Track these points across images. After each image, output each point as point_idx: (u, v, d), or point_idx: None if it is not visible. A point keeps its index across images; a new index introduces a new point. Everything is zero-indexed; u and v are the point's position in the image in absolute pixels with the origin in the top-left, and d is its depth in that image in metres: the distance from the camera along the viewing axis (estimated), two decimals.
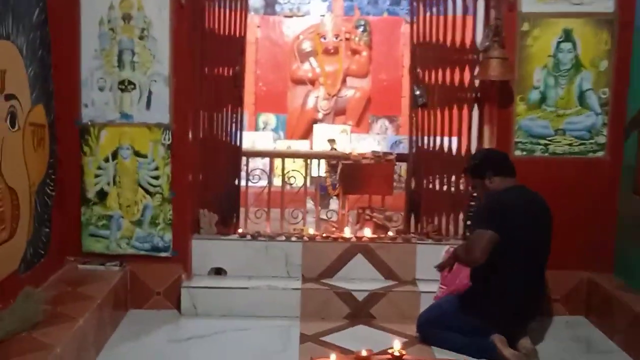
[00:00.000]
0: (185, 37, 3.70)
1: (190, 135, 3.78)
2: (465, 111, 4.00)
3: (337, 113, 6.81)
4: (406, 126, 6.64)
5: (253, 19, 6.80)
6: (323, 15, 6.83)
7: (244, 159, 4.27)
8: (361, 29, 6.73)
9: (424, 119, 4.08)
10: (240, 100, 4.06)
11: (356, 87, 6.81)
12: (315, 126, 6.65)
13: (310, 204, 5.37)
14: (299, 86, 6.84)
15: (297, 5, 7.06)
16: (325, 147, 6.31)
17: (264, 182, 4.45)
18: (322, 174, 5.84)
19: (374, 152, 4.22)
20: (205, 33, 3.87)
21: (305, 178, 4.36)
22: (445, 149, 4.07)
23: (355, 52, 6.79)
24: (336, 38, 6.71)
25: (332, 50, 6.71)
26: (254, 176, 4.34)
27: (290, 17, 6.93)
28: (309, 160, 4.54)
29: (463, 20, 3.95)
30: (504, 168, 3.24)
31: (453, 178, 4.02)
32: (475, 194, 3.69)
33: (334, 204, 5.63)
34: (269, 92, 6.83)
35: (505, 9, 3.64)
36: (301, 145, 6.56)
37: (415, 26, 4.08)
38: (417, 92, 4.00)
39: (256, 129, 6.81)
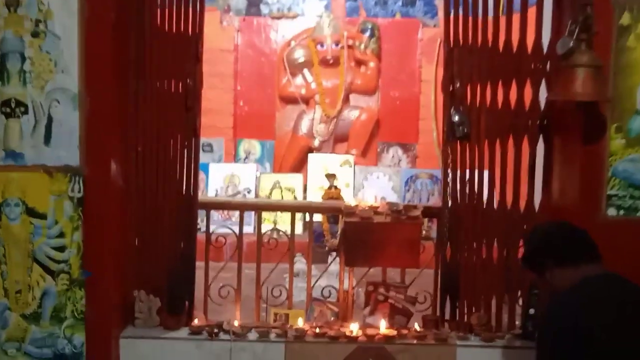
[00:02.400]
0: (107, 35, 2.55)
1: (114, 183, 2.62)
2: (525, 146, 2.84)
3: (338, 139, 5.71)
4: (425, 157, 5.57)
5: (232, 20, 5.67)
6: (320, 17, 5.68)
7: (202, 213, 3.07)
8: (368, 33, 5.60)
9: (465, 157, 2.91)
10: (195, 128, 2.88)
11: (362, 107, 5.71)
12: (310, 156, 5.52)
13: (301, 264, 4.19)
14: (289, 106, 5.74)
15: (288, 4, 5.92)
16: (322, 183, 5.23)
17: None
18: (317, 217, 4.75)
19: (390, 204, 3.02)
20: (142, 29, 2.70)
21: (292, 230, 3.16)
22: (496, 202, 2.90)
23: (360, 62, 5.66)
24: (336, 45, 5.58)
25: (331, 61, 5.58)
26: (218, 238, 3.13)
27: (279, 18, 5.79)
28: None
29: (522, 13, 2.78)
30: (575, 253, 2.15)
31: (507, 245, 2.86)
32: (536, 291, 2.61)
33: (334, 264, 4.43)
34: (252, 113, 5.73)
35: None
36: (292, 181, 5.44)
37: (452, 22, 2.90)
38: (456, 118, 2.84)
39: (236, 159, 5.69)
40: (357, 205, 3.08)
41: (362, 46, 5.58)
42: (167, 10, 2.79)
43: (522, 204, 2.90)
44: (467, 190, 2.93)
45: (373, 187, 5.43)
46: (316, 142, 5.64)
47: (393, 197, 5.39)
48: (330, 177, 5.10)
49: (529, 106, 2.82)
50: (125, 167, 2.72)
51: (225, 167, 5.48)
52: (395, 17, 5.83)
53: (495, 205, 2.92)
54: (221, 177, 5.43)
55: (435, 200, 5.39)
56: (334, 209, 3.29)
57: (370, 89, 5.70)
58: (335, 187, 5.07)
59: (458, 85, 2.86)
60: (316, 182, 5.39)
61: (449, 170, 2.94)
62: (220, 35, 5.58)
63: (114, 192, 2.65)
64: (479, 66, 2.85)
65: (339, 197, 5.05)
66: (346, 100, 5.68)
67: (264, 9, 5.89)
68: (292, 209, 3.10)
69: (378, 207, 3.06)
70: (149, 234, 2.84)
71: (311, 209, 3.16)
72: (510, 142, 2.87)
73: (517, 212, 2.89)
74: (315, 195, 5.27)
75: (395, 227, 2.95)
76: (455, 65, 2.88)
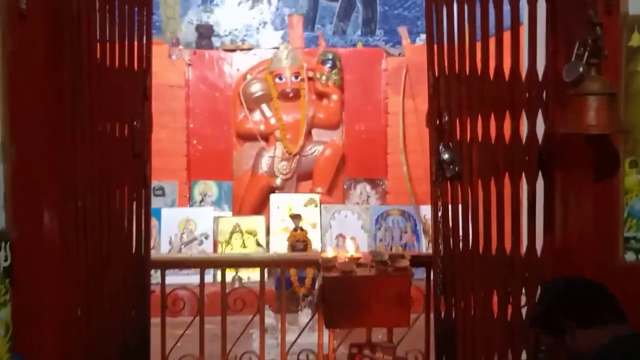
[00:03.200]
0: (38, 71, 2.15)
1: (50, 247, 2.20)
2: (523, 184, 2.55)
3: (302, 177, 5.38)
4: (396, 192, 5.27)
5: (182, 54, 5.31)
6: (277, 48, 5.37)
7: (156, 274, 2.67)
8: (329, 64, 5.32)
9: (457, 198, 2.60)
10: (144, 176, 2.50)
11: (325, 142, 5.40)
12: (272, 196, 5.16)
13: (270, 318, 3.80)
14: (247, 143, 5.40)
15: (241, 36, 5.60)
16: (287, 225, 4.89)
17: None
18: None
19: (374, 253, 2.67)
20: (78, 63, 2.31)
21: (261, 289, 2.77)
22: (493, 247, 2.59)
23: (322, 95, 5.37)
24: (296, 78, 5.27)
25: (291, 94, 5.27)
26: (175, 300, 2.72)
27: (233, 51, 5.47)
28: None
29: (514, 34, 2.51)
30: (602, 312, 1.86)
31: (508, 295, 2.54)
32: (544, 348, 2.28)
33: (304, 315, 4.06)
34: (207, 152, 5.36)
35: (598, 8, 2.21)
36: (254, 224, 5.07)
37: (435, 47, 2.60)
38: (446, 156, 2.53)
39: (191, 202, 5.28)
40: (335, 257, 2.72)
41: (324, 78, 5.29)
42: (107, 43, 2.41)
43: (523, 248, 2.60)
44: (461, 235, 2.61)
45: (341, 226, 5.12)
46: (278, 181, 5.30)
47: (363, 237, 5.09)
48: (296, 218, 4.77)
49: (526, 139, 2.53)
50: (63, 226, 2.30)
51: (179, 212, 5.08)
52: (356, 47, 5.57)
53: (492, 251, 2.61)
54: (175, 222, 5.02)
55: (408, 238, 5.11)
56: (309, 262, 2.92)
57: (334, 122, 5.41)
58: (302, 229, 4.74)
59: (446, 118, 2.55)
60: (280, 224, 5.05)
61: (440, 214, 2.61)
62: (170, 69, 5.22)
63: (50, 256, 2.23)
64: (468, 96, 2.56)
65: (305, 240, 4.73)
66: (309, 135, 5.38)
67: (215, 41, 5.57)
68: (261, 264, 2.72)
69: (360, 258, 2.71)
70: (95, 302, 2.41)
71: (283, 262, 2.78)
72: (507, 179, 2.57)
73: (517, 258, 2.58)
74: (280, 239, 4.94)
75: (382, 281, 2.60)
76: (441, 96, 2.58)
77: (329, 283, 2.60)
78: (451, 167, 2.53)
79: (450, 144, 2.54)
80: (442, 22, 2.57)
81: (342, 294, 2.59)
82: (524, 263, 2.57)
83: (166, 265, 2.69)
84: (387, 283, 2.59)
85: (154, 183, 5.13)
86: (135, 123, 2.44)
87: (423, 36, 5.46)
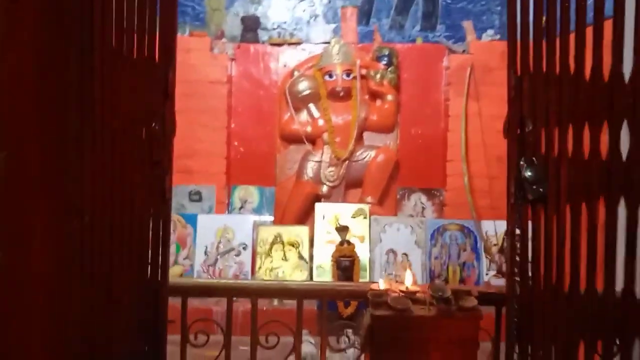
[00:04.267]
0: (33, 61, 1.81)
1: (43, 270, 1.86)
2: (620, 210, 2.09)
3: (350, 185, 4.96)
4: (454, 205, 4.80)
5: (225, 48, 4.97)
6: (328, 43, 4.98)
7: (175, 301, 2.30)
8: (384, 61, 4.89)
9: (540, 225, 2.15)
10: (163, 189, 2.13)
11: (378, 147, 4.97)
12: (317, 205, 4.77)
13: (309, 346, 3.42)
14: (292, 146, 5.03)
15: (290, 29, 5.23)
16: (332, 237, 4.52)
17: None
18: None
19: (434, 286, 2.25)
20: (89, 48, 1.96)
21: (298, 327, 2.37)
22: (582, 285, 2.14)
23: (375, 95, 4.94)
24: (348, 75, 4.86)
25: (341, 93, 4.86)
26: (198, 334, 2.35)
27: (280, 45, 5.10)
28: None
29: (617, 24, 2.05)
30: None
31: (600, 343, 2.10)
32: None
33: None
34: (249, 155, 5.02)
35: None
36: (297, 234, 4.69)
37: (519, 39, 2.16)
38: (528, 174, 2.08)
39: (230, 209, 4.94)
40: (387, 290, 2.31)
41: (378, 76, 4.86)
42: (124, 28, 2.05)
43: (619, 287, 2.14)
44: (543, 270, 2.16)
45: (392, 241, 4.70)
46: (324, 189, 4.91)
47: (417, 253, 4.65)
48: (342, 230, 4.40)
49: (627, 155, 2.07)
50: (64, 247, 1.95)
51: (216, 219, 4.75)
52: (415, 43, 5.13)
53: (581, 290, 2.15)
54: (212, 230, 4.69)
55: (467, 256, 4.64)
56: (355, 294, 2.50)
57: (388, 125, 4.98)
58: (348, 243, 4.40)
59: (530, 127, 2.10)
60: (325, 235, 4.66)
61: (518, 244, 2.17)
62: (211, 64, 4.89)
63: (45, 282, 1.88)
64: (557, 101, 2.11)
65: (352, 255, 4.37)
66: (359, 139, 4.96)
67: (262, 34, 5.21)
68: (299, 294, 2.32)
69: (416, 292, 2.29)
70: (101, 337, 2.06)
71: (325, 293, 2.37)
72: (601, 204, 2.11)
73: (611, 299, 2.13)
74: (324, 252, 4.55)
75: (443, 324, 2.17)
76: (524, 100, 2.13)
77: (379, 322, 2.19)
78: (534, 187, 2.08)
79: (534, 159, 2.09)
80: (528, 8, 2.12)
81: (395, 336, 2.18)
82: (620, 306, 2.12)
83: (188, 292, 2.32)
84: (450, 326, 2.16)
85: (191, 187, 4.86)
86: (153, 125, 2.07)
87: (490, 32, 5.03)
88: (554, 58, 2.11)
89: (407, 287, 2.32)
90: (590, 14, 2.09)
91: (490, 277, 4.58)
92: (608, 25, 2.07)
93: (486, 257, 4.63)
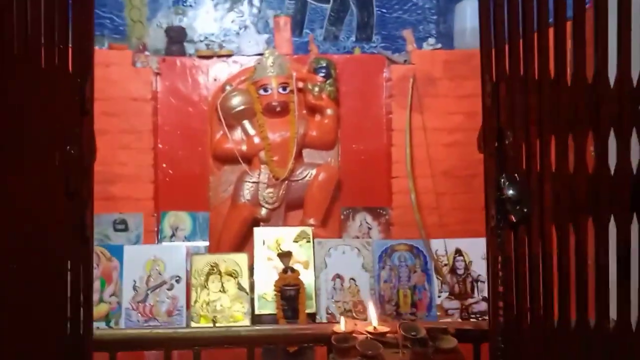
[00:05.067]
0: None
1: None
2: (612, 229, 1.88)
3: (291, 207, 4.68)
4: (402, 224, 4.58)
5: (148, 61, 4.60)
6: (261, 55, 4.68)
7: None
8: (322, 73, 4.63)
9: (524, 250, 1.91)
10: (83, 224, 1.77)
11: (319, 165, 4.71)
12: (256, 230, 4.44)
13: None
14: (226, 166, 4.70)
15: (219, 40, 4.92)
16: (275, 263, 4.23)
17: None
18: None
19: (406, 326, 1.97)
20: None
21: None
22: (573, 319, 1.92)
23: (315, 109, 4.68)
24: (284, 89, 4.59)
25: (278, 108, 4.58)
26: None
27: (209, 58, 4.78)
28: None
29: (600, 22, 1.85)
30: None
31: None
32: None
33: None
34: (179, 177, 4.67)
35: None
36: (235, 263, 4.33)
37: (492, 39, 1.93)
38: (510, 192, 1.83)
39: (159, 238, 4.58)
40: (352, 332, 2.02)
41: (316, 89, 4.60)
42: (30, 37, 1.69)
43: (612, 319, 1.93)
44: (529, 302, 1.93)
45: (338, 265, 4.41)
46: (263, 212, 4.59)
47: (364, 277, 4.38)
48: (285, 256, 4.11)
49: (615, 169, 1.87)
50: None
51: (145, 250, 4.33)
52: (353, 53, 4.91)
53: (571, 323, 1.93)
54: (140, 263, 4.26)
55: (417, 278, 4.41)
56: (316, 338, 2.19)
57: (329, 141, 4.73)
58: (292, 270, 4.10)
59: (510, 139, 1.86)
60: (265, 263, 4.32)
61: (500, 272, 1.92)
62: (134, 79, 4.51)
63: None
64: (538, 109, 1.88)
65: (297, 283, 4.08)
66: (299, 156, 4.68)
67: (188, 47, 4.88)
68: (250, 341, 2.00)
69: (386, 333, 2.01)
70: None
71: (280, 339, 2.06)
72: (590, 224, 1.90)
73: (604, 332, 1.91)
74: (265, 281, 4.22)
75: None
76: (502, 109, 1.89)
77: None
78: (517, 207, 1.84)
79: (516, 175, 1.86)
80: (503, 5, 1.90)
81: None
82: (614, 340, 1.91)
83: (117, 346, 1.95)
84: None
85: (115, 216, 4.44)
86: (68, 148, 1.71)
87: (431, 40, 4.87)
88: (531, 60, 1.88)
89: (374, 327, 2.04)
90: (569, 10, 1.89)
91: (442, 299, 4.37)
92: (589, 19, 1.87)
93: (437, 279, 4.41)
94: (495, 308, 1.94)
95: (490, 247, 1.94)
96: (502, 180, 1.86)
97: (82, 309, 1.78)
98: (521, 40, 1.88)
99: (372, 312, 2.07)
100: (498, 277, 1.91)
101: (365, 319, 4.23)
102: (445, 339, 1.95)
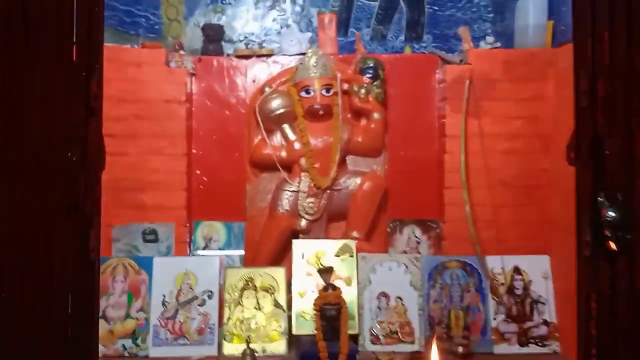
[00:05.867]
0: None
1: None
2: None
3: (333, 218, 4.39)
4: (455, 238, 4.22)
5: (183, 61, 4.36)
6: (303, 54, 4.40)
7: None
8: (369, 74, 4.32)
9: (623, 286, 1.54)
10: (87, 248, 1.48)
11: (364, 173, 4.41)
12: (295, 242, 4.20)
13: None
14: (264, 174, 4.44)
15: (259, 40, 4.66)
16: (315, 279, 4.01)
17: None
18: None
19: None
20: None
21: None
22: None
23: (360, 113, 4.39)
24: (327, 91, 4.31)
25: (320, 112, 4.31)
26: None
27: (248, 57, 4.53)
28: None
29: None
30: None
31: None
32: None
33: None
34: (214, 185, 4.43)
35: None
36: (271, 277, 4.11)
37: (592, 33, 1.57)
38: (610, 214, 1.47)
39: (192, 249, 4.36)
40: None
41: (362, 91, 4.29)
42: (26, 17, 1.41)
43: None
44: (629, 350, 1.56)
45: (384, 282, 4.13)
46: (303, 223, 4.31)
47: (412, 296, 4.09)
48: (325, 272, 3.88)
49: None
50: None
51: (176, 262, 4.12)
52: (403, 53, 4.60)
53: None
54: (171, 276, 4.05)
55: (471, 298, 4.07)
56: None
57: (375, 148, 4.42)
58: (334, 287, 3.85)
59: (611, 149, 1.50)
60: (304, 279, 4.06)
61: (594, 310, 1.56)
62: (167, 81, 4.28)
63: None
64: None
65: (338, 302, 3.84)
66: (342, 164, 4.39)
67: (226, 47, 4.64)
68: None
69: None
70: None
71: None
72: None
73: None
74: (304, 299, 3.96)
75: None
76: (600, 111, 1.53)
77: None
78: (619, 233, 1.48)
79: (618, 194, 1.50)
80: None
81: None
82: None
83: None
84: None
85: (145, 225, 4.21)
86: (69, 154, 1.42)
87: (489, 39, 4.51)
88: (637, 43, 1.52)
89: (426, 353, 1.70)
90: None
91: (498, 322, 4.03)
92: None
93: (493, 299, 4.07)
94: (586, 356, 1.57)
95: (582, 281, 1.57)
96: (600, 199, 1.50)
97: (90, 348, 1.48)
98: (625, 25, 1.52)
99: (434, 353, 1.73)
100: (592, 317, 1.55)
101: (412, 342, 3.95)
102: None
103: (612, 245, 1.49)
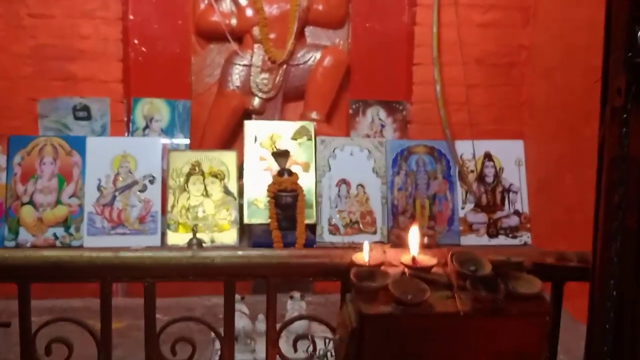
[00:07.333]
0: None
1: None
2: None
3: (290, 97, 4.25)
4: (422, 121, 4.04)
5: None
6: None
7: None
8: None
9: None
10: None
11: (325, 47, 4.25)
12: (247, 123, 3.98)
13: (243, 319, 2.59)
14: (212, 45, 4.25)
15: None
16: (269, 163, 3.77)
17: None
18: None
19: (459, 255, 1.34)
20: None
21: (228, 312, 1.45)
22: None
23: None
24: None
25: None
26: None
27: None
28: None
29: None
30: None
31: None
32: None
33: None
34: (154, 56, 4.17)
35: None
36: (221, 162, 3.83)
37: None
38: None
39: (131, 130, 4.10)
40: (381, 264, 1.39)
41: None
42: None
43: None
44: None
45: (345, 168, 3.91)
46: (256, 102, 4.14)
47: (375, 184, 3.88)
48: (281, 156, 3.67)
49: None
50: None
51: (113, 143, 3.81)
52: None
53: None
54: (107, 158, 3.73)
55: (438, 187, 3.89)
56: (324, 269, 1.57)
57: (337, 18, 4.22)
58: (290, 173, 3.61)
59: None
60: (257, 163, 3.81)
61: (618, 185, 1.26)
62: None
63: None
64: None
65: (295, 189, 3.64)
66: (301, 35, 4.18)
67: None
68: (228, 272, 1.38)
69: (432, 267, 1.38)
70: None
71: (271, 270, 1.44)
72: None
73: None
74: (257, 185, 3.73)
75: (488, 328, 1.27)
76: None
77: (375, 326, 1.27)
78: None
79: None
80: None
81: (404, 350, 1.27)
82: None
83: (29, 274, 1.32)
84: (500, 331, 1.27)
85: (75, 100, 3.86)
86: None
87: None
88: None
89: (414, 258, 1.41)
90: None
91: (467, 211, 3.86)
92: None
93: (462, 187, 3.89)
94: (607, 235, 1.28)
95: (607, 141, 1.25)
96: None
97: None
98: None
99: (414, 234, 1.43)
100: (616, 192, 1.25)
101: (374, 233, 3.77)
102: (523, 280, 1.33)
103: None
